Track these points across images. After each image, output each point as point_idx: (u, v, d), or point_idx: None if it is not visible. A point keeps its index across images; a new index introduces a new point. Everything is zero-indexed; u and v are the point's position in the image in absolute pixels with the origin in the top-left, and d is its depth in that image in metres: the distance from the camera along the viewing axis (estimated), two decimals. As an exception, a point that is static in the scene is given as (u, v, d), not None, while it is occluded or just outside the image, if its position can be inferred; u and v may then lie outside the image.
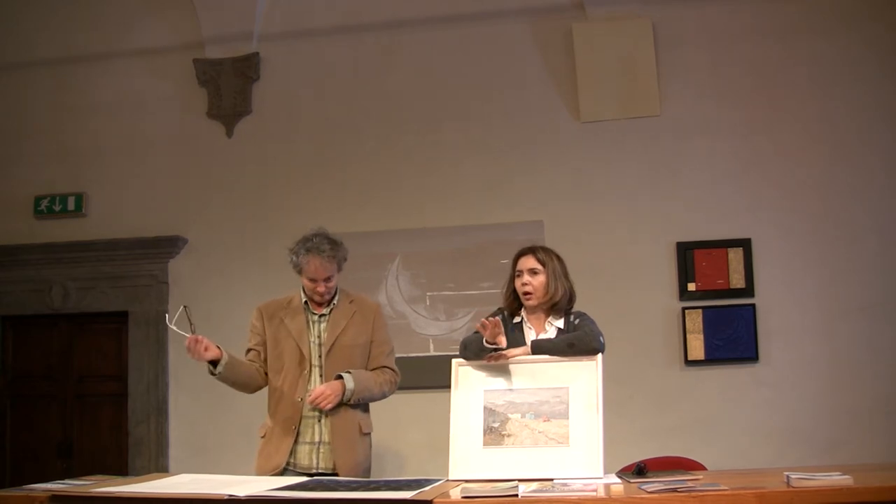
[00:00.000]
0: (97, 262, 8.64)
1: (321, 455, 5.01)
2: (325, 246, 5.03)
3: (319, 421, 5.05)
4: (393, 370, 5.29)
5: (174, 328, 4.80)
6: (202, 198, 8.57)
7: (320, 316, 5.18)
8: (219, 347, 4.95)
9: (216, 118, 8.64)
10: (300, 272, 5.10)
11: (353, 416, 5.09)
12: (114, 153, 8.78)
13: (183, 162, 8.67)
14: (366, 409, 5.24)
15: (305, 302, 5.19)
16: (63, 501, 4.07)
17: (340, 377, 5.01)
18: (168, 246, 8.52)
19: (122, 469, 8.18)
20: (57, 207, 8.75)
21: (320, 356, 5.12)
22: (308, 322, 5.17)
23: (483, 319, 4.61)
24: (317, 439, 5.04)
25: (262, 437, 5.17)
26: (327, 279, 5.06)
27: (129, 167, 8.73)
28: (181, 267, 8.56)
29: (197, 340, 4.82)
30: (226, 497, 3.85)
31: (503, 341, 4.62)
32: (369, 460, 5.17)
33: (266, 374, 5.22)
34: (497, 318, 4.65)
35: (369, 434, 5.21)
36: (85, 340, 8.83)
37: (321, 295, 5.10)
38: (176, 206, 8.60)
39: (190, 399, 7.98)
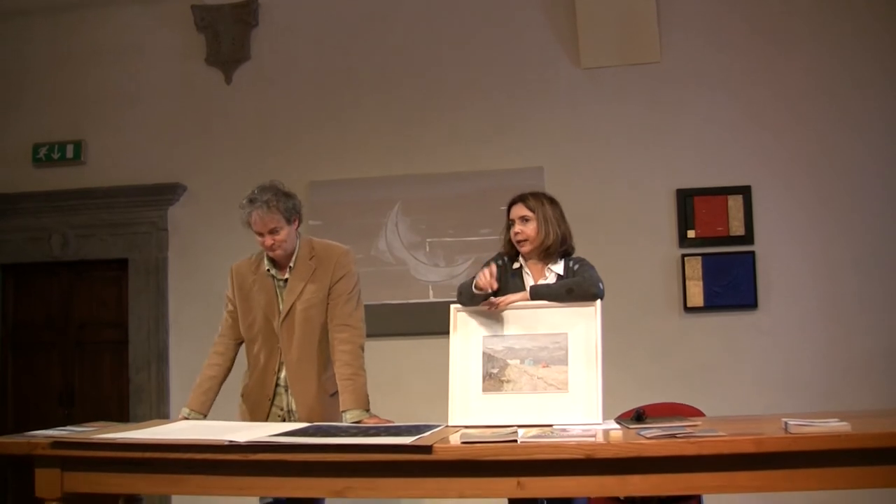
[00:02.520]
0: (96, 209, 8.62)
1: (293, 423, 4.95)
2: (267, 196, 4.85)
3: (286, 390, 5.01)
4: (354, 329, 5.01)
5: None
6: (201, 145, 8.54)
7: (284, 282, 5.02)
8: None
9: (215, 65, 8.60)
10: (250, 227, 4.94)
11: (312, 382, 4.98)
12: (112, 100, 8.74)
13: (182, 109, 8.64)
14: (327, 368, 5.04)
15: (268, 269, 5.04)
16: (65, 448, 4.09)
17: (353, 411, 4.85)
18: (167, 193, 8.50)
19: (123, 416, 8.22)
20: (56, 155, 8.72)
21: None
22: (275, 291, 5.04)
23: (481, 273, 4.60)
24: (285, 408, 5.03)
25: (242, 395, 5.17)
26: (272, 231, 4.87)
27: (128, 114, 8.69)
28: (180, 214, 8.55)
29: None
30: (226, 442, 3.87)
31: (494, 284, 4.61)
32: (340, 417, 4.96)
33: (237, 342, 5.17)
34: (492, 266, 4.64)
35: (337, 393, 4.97)
36: (85, 288, 8.84)
37: (270, 248, 4.91)
38: (175, 153, 8.57)
39: (190, 346, 7.99)
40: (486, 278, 4.54)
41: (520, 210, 4.87)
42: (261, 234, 4.90)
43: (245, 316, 5.08)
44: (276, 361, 5.01)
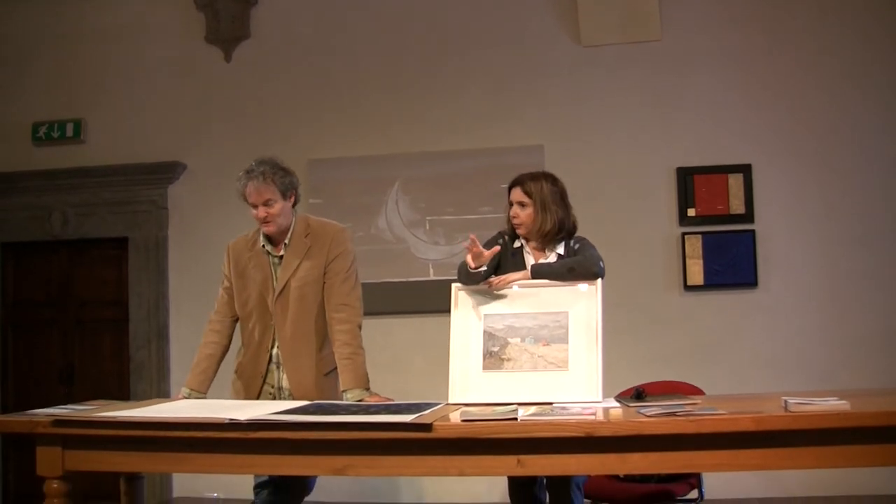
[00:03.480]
0: (96, 188, 8.62)
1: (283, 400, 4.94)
2: (263, 168, 4.84)
3: (278, 367, 5.00)
4: (352, 308, 4.97)
5: None
6: (201, 123, 8.53)
7: (280, 258, 4.99)
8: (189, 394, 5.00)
9: (214, 43, 8.58)
10: (245, 199, 4.92)
11: (306, 360, 4.95)
12: (112, 79, 8.72)
13: (181, 87, 8.62)
14: (323, 346, 5.02)
15: (263, 245, 5.02)
16: (66, 426, 4.10)
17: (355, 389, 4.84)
18: (167, 171, 8.50)
19: (123, 394, 8.24)
20: (55, 134, 8.71)
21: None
22: (271, 268, 5.02)
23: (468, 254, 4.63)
24: (276, 385, 5.02)
25: (235, 372, 5.16)
26: (266, 203, 4.84)
27: (128, 93, 8.68)
28: (180, 192, 8.55)
29: None
30: (227, 421, 3.88)
31: (485, 256, 4.61)
32: (338, 397, 4.96)
33: (234, 319, 5.14)
34: (473, 236, 4.65)
35: (333, 371, 4.99)
36: (85, 266, 8.84)
37: (263, 221, 4.89)
38: (175, 131, 8.56)
39: (190, 323, 7.96)
40: (472, 254, 4.58)
41: (517, 194, 4.87)
42: (255, 206, 4.88)
43: (240, 293, 5.06)
44: (270, 338, 5.00)
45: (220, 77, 8.57)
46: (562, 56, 8.06)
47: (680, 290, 7.76)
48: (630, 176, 7.85)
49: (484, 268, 4.62)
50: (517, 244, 4.90)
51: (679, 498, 5.11)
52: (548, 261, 4.75)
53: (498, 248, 4.74)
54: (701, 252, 7.70)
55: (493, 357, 4.49)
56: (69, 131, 8.69)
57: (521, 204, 4.83)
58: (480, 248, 4.60)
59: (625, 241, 7.58)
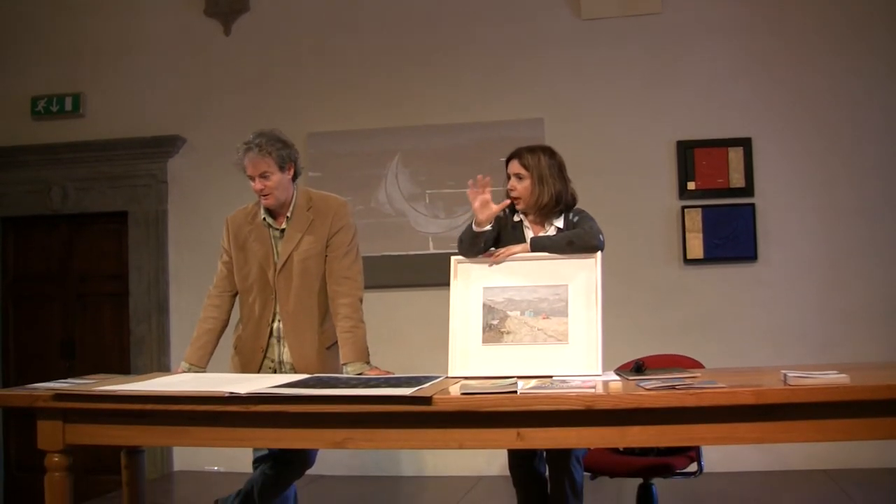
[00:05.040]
0: (96, 162, 8.61)
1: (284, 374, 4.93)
2: (260, 140, 4.81)
3: (279, 341, 4.99)
4: (354, 281, 4.97)
5: None
6: (200, 97, 8.52)
7: (281, 232, 4.97)
8: (189, 368, 4.99)
9: (214, 16, 8.55)
10: (244, 171, 4.90)
11: (309, 334, 4.94)
12: (111, 53, 8.70)
13: (181, 61, 8.60)
14: (325, 320, 5.01)
15: (264, 218, 4.98)
16: (66, 400, 4.11)
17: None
18: (167, 145, 8.49)
19: (124, 368, 8.25)
20: (54, 108, 8.70)
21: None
22: (272, 241, 4.99)
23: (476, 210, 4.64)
24: (276, 359, 5.00)
25: (234, 346, 5.16)
26: (263, 175, 4.81)
27: (127, 67, 8.65)
28: (180, 166, 8.54)
29: None
30: (227, 394, 3.88)
31: (494, 209, 4.64)
32: (339, 371, 4.95)
33: (233, 293, 5.12)
34: (487, 178, 4.65)
35: (334, 345, 4.98)
36: (85, 241, 8.85)
37: (260, 193, 4.86)
38: (174, 105, 8.55)
39: (191, 297, 7.96)
40: (479, 201, 4.63)
41: (514, 167, 4.85)
42: (252, 178, 4.87)
43: (241, 267, 5.03)
44: (271, 312, 4.98)
45: (219, 50, 8.55)
46: (562, 29, 8.04)
47: (680, 264, 7.77)
48: (630, 149, 7.84)
49: (488, 228, 4.62)
50: (517, 218, 4.89)
51: (678, 471, 5.11)
52: (547, 234, 4.75)
53: (508, 201, 4.74)
54: (701, 225, 7.70)
55: (493, 330, 4.48)
56: (68, 105, 8.68)
57: (519, 176, 4.82)
58: (489, 196, 4.62)
59: (625, 215, 7.58)
